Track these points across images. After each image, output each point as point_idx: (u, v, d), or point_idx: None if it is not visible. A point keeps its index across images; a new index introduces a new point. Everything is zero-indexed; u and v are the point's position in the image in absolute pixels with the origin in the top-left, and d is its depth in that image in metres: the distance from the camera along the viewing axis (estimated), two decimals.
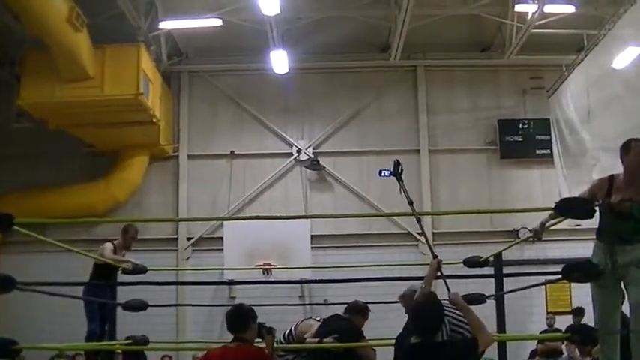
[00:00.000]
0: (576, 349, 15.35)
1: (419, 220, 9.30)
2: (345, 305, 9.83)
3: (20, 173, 20.54)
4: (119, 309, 12.01)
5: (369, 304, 9.73)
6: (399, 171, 8.48)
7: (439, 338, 6.22)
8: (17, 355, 8.78)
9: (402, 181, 8.46)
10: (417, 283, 8.99)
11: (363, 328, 9.44)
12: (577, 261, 7.80)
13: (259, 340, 7.05)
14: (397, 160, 8.61)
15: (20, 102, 17.72)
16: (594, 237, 7.75)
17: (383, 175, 8.83)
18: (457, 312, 8.00)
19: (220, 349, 6.84)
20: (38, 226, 14.13)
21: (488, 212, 20.41)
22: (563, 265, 7.66)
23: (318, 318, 9.83)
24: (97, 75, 17.49)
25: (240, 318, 6.86)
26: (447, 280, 7.91)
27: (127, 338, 11.79)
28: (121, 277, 12.26)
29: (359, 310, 9.58)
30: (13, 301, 11.58)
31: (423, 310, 6.14)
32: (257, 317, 6.92)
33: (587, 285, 7.89)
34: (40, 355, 18.31)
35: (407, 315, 9.01)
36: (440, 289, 7.86)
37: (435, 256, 7.89)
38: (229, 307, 7.15)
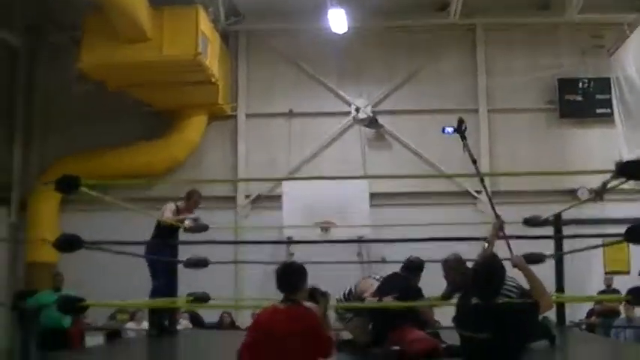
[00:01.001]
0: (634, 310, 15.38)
1: (482, 180, 9.30)
2: (402, 263, 9.92)
3: (81, 135, 20.81)
4: (180, 266, 12.23)
5: (426, 263, 9.80)
6: (463, 128, 8.44)
7: (500, 300, 6.22)
8: (84, 311, 9.02)
9: (466, 138, 8.42)
10: (462, 249, 9.09)
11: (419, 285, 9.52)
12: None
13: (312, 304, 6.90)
14: (461, 118, 8.54)
15: (80, 65, 17.93)
16: None
17: (446, 132, 8.76)
18: (510, 277, 8.02)
19: (270, 310, 6.47)
20: (101, 186, 14.33)
21: (549, 174, 20.22)
22: (623, 226, 7.64)
23: (377, 277, 9.90)
24: (156, 36, 17.64)
25: (291, 277, 6.46)
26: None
27: (189, 295, 12.00)
28: (183, 236, 12.46)
29: (416, 268, 9.65)
30: (78, 258, 11.77)
31: (485, 271, 6.13)
32: (307, 275, 6.56)
33: None
34: (102, 312, 18.74)
35: (446, 280, 9.12)
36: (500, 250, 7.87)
37: (497, 217, 7.90)
38: (279, 265, 6.71)
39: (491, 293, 6.00)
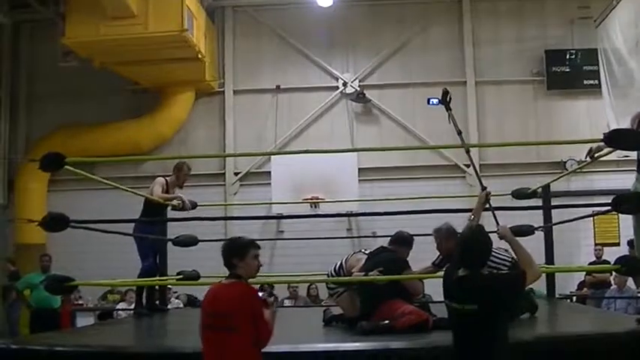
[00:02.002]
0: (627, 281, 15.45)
1: (468, 151, 9.21)
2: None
3: (66, 111, 20.78)
4: (169, 245, 12.20)
5: (415, 236, 9.77)
6: (448, 99, 8.36)
7: (485, 272, 6.20)
8: (72, 291, 9.01)
9: (451, 109, 8.35)
10: (455, 220, 9.04)
11: (409, 259, 9.48)
12: (627, 192, 7.79)
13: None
14: (445, 89, 8.46)
15: (65, 41, 17.83)
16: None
17: (431, 103, 8.72)
18: (498, 251, 8.00)
19: (216, 286, 6.38)
20: (87, 163, 14.27)
21: (536, 144, 20.27)
22: (611, 197, 7.64)
23: (367, 252, 9.88)
24: (141, 12, 17.46)
25: (231, 252, 6.26)
26: (496, 213, 7.88)
27: (178, 274, 11.98)
28: (171, 213, 12.41)
29: (403, 241, 9.62)
30: (66, 238, 11.72)
31: (471, 243, 6.10)
32: (252, 251, 6.26)
33: None
34: (94, 293, 18.79)
35: (438, 250, 9.13)
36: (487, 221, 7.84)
37: (483, 188, 7.86)
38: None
39: (477, 264, 5.97)
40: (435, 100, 8.63)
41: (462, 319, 5.92)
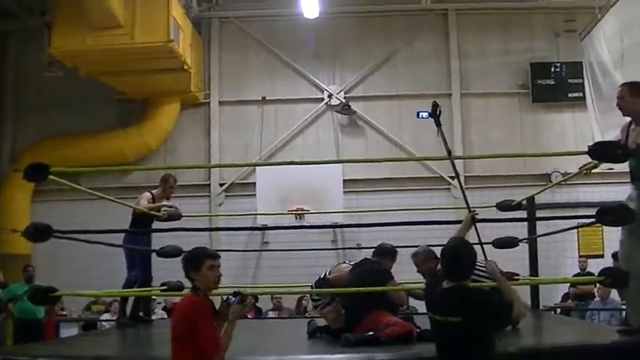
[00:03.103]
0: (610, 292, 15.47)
1: (454, 166, 9.19)
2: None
3: (52, 121, 20.78)
4: (153, 255, 12.17)
5: (400, 248, 9.77)
6: (438, 113, 8.29)
7: (470, 284, 6.20)
8: (56, 302, 8.96)
9: (441, 124, 8.27)
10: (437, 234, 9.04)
11: (393, 271, 9.48)
12: (611, 204, 7.81)
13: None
14: (435, 102, 8.36)
15: (52, 51, 17.80)
16: (628, 180, 7.75)
17: (421, 116, 8.67)
18: (482, 263, 7.99)
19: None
20: (72, 173, 14.23)
21: (522, 156, 20.26)
22: (595, 209, 7.66)
23: (352, 263, 9.88)
24: (128, 23, 17.44)
25: (187, 265, 6.22)
26: (482, 225, 7.88)
27: (162, 285, 11.95)
28: (156, 224, 12.38)
29: (386, 253, 9.62)
30: (51, 249, 11.70)
31: (455, 255, 6.09)
32: (207, 262, 6.14)
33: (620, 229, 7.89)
34: (77, 302, 18.69)
35: (419, 273, 9.10)
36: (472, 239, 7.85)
37: (470, 210, 7.83)
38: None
39: (461, 277, 5.97)
40: (425, 114, 8.59)
41: (444, 330, 5.91)
